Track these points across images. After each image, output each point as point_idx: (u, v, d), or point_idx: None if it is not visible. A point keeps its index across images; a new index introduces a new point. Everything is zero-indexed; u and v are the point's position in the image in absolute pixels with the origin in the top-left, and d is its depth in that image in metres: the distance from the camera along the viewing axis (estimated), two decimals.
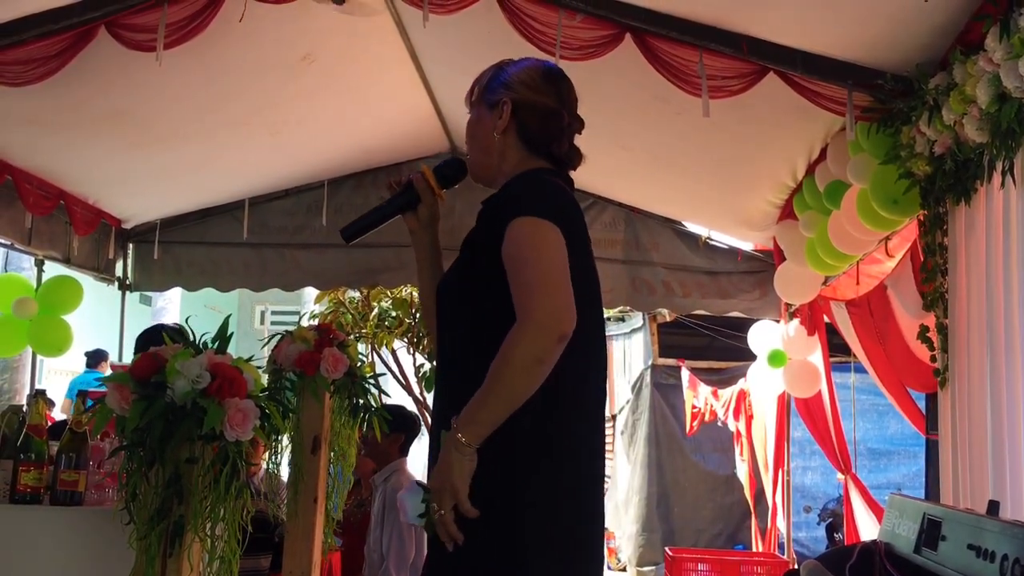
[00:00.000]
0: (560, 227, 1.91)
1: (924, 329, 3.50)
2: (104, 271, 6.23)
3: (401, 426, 4.42)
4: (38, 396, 2.83)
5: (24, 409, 2.84)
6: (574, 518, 1.93)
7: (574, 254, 1.94)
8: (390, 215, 2.20)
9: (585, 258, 2.01)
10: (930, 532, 2.27)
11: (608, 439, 11.27)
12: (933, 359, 3.40)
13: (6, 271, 9.00)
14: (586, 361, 1.99)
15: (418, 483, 1.96)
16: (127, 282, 6.45)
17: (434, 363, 7.88)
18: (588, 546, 1.98)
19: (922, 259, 3.51)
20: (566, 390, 1.92)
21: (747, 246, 6.33)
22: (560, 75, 2.16)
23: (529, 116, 2.09)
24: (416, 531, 4.23)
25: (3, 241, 5.27)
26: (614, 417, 11.11)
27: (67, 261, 5.76)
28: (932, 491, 3.75)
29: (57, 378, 12.10)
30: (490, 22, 3.65)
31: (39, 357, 6.62)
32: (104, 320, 7.67)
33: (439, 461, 1.86)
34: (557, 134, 2.11)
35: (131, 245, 6.44)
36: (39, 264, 5.74)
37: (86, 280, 5.97)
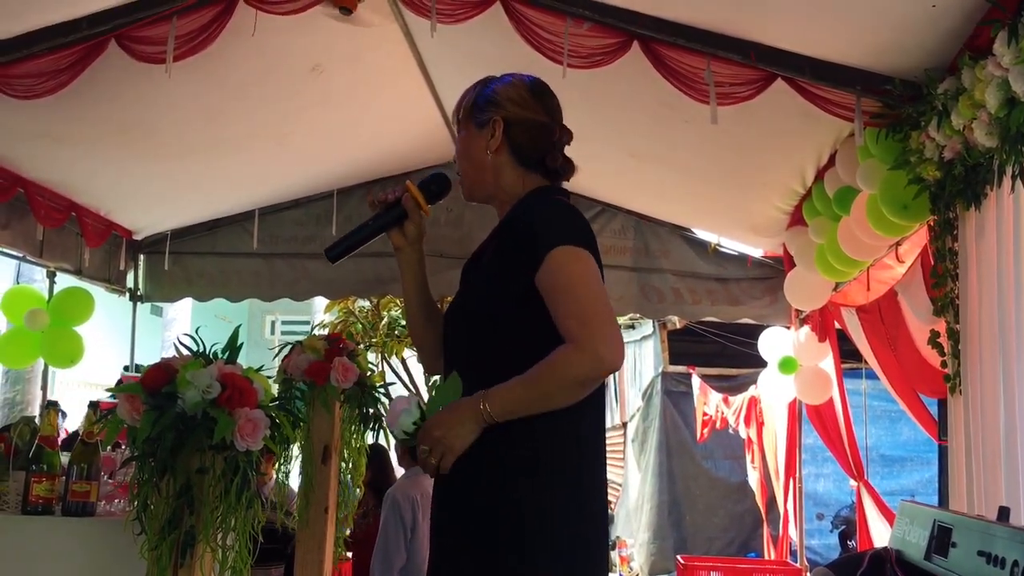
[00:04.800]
0: (592, 255, 1.95)
1: (935, 335, 3.49)
2: (115, 282, 6.26)
3: None
4: (50, 407, 2.84)
5: (36, 420, 2.86)
6: (581, 525, 1.93)
7: None
8: (376, 233, 2.17)
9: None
10: (940, 539, 2.26)
11: (619, 447, 11.26)
12: (944, 364, 3.39)
13: (18, 283, 9.04)
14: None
15: (418, 403, 1.98)
16: (138, 293, 6.48)
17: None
18: (595, 552, 1.97)
19: (932, 264, 3.49)
20: (583, 411, 1.95)
21: (757, 252, 6.32)
22: (546, 88, 2.16)
23: (521, 132, 2.09)
24: (406, 537, 4.20)
25: (15, 253, 5.30)
26: (624, 425, 11.10)
27: (78, 272, 5.79)
28: (945, 497, 3.73)
29: (69, 389, 12.14)
30: (497, 31, 3.66)
31: (51, 369, 6.64)
32: (115, 331, 7.70)
33: (450, 411, 1.89)
34: (549, 148, 2.12)
35: (142, 256, 6.47)
36: (51, 276, 5.77)
37: (97, 291, 6.00)
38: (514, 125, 2.09)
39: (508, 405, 1.86)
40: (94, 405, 3.03)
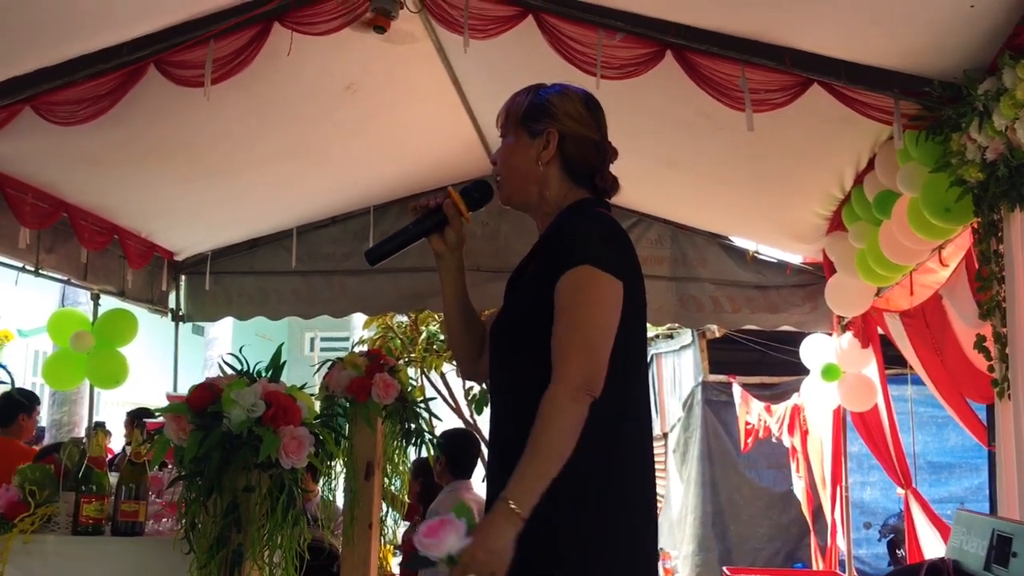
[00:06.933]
0: (624, 282, 1.92)
1: (981, 339, 3.43)
2: (158, 303, 6.34)
3: (441, 449, 4.40)
4: (98, 428, 2.87)
5: (84, 441, 2.89)
6: (621, 539, 1.91)
7: (633, 306, 1.94)
8: (416, 237, 2.17)
9: (641, 311, 2.02)
10: (1000, 548, 2.21)
11: (660, 457, 11.18)
12: (991, 369, 3.33)
13: (63, 306, 9.19)
14: (636, 410, 2.00)
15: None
16: (180, 313, 6.56)
17: (483, 386, 7.94)
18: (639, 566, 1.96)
19: (977, 267, 3.44)
20: (625, 435, 1.94)
21: (796, 259, 6.26)
22: (598, 104, 2.16)
23: (574, 148, 2.09)
24: None
25: (60, 276, 5.39)
26: (665, 435, 11.02)
27: (122, 294, 5.88)
28: (996, 504, 3.66)
29: (115, 409, 12.28)
30: (530, 45, 3.67)
31: (96, 390, 6.73)
32: (158, 351, 7.80)
33: (487, 529, 1.77)
34: (600, 166, 2.12)
35: (183, 277, 6.55)
36: (95, 298, 5.86)
37: (140, 312, 6.08)
38: (568, 139, 2.08)
39: (535, 489, 1.77)
40: (136, 422, 3.06)
